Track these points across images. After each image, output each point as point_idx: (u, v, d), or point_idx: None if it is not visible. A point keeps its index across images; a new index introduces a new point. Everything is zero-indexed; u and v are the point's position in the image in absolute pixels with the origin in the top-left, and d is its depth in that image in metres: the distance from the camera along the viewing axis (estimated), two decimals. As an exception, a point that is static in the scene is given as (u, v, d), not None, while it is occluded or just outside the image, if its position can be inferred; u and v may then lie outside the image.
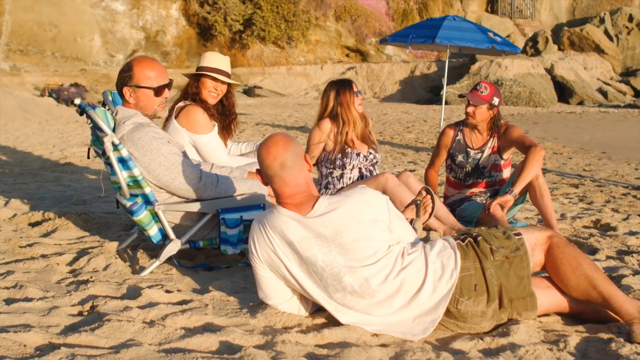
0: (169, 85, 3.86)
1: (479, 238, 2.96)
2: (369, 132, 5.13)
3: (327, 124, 4.99)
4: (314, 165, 5.08)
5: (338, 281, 2.83)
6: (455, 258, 2.87)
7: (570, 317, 3.08)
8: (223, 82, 4.63)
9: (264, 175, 2.93)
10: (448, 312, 2.84)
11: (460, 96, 5.24)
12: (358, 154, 5.05)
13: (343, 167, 5.02)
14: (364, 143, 5.11)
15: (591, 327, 2.96)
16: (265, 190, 3.98)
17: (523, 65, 26.88)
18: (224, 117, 4.78)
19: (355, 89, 5.03)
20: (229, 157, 4.62)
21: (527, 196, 4.96)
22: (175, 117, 4.50)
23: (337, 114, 4.98)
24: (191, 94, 4.61)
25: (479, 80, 25.93)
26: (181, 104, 4.59)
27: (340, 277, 2.82)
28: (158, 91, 3.80)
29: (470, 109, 5.07)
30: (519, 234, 3.00)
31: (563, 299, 2.99)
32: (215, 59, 4.63)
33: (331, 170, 5.07)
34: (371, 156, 5.11)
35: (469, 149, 5.17)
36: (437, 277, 2.84)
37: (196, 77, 4.62)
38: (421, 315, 2.82)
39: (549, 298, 2.97)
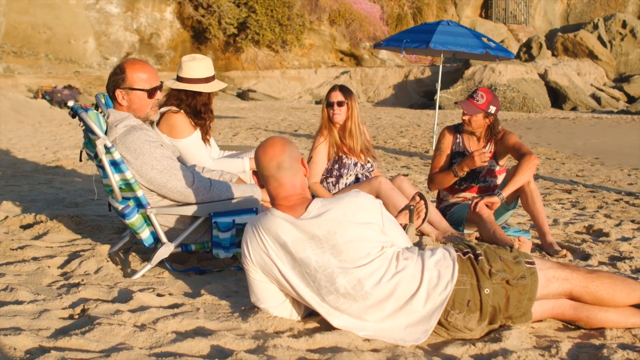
0: (160, 87, 3.85)
1: (480, 257, 2.90)
2: (365, 144, 5.17)
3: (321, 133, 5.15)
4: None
5: (331, 282, 2.82)
6: (453, 269, 2.84)
7: (563, 323, 3.08)
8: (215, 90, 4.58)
9: (260, 176, 2.97)
10: (438, 322, 2.83)
11: (456, 103, 5.21)
12: (356, 164, 5.09)
13: (340, 176, 5.05)
14: (362, 153, 5.13)
15: (583, 333, 2.96)
16: (259, 194, 3.98)
17: (517, 70, 26.99)
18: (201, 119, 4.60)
19: (333, 99, 5.06)
20: (211, 161, 4.51)
21: (519, 202, 4.96)
22: (157, 124, 4.41)
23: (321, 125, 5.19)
24: (187, 104, 4.49)
25: (473, 85, 26.10)
26: (162, 109, 4.45)
27: (333, 278, 2.82)
28: (151, 93, 3.79)
29: (465, 117, 5.05)
30: (532, 263, 2.92)
31: (556, 307, 2.98)
32: (197, 67, 4.49)
33: (326, 175, 5.09)
34: (369, 165, 5.15)
35: (467, 153, 5.17)
36: (432, 285, 2.82)
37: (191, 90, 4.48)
38: (413, 324, 2.80)
39: (542, 306, 2.95)
